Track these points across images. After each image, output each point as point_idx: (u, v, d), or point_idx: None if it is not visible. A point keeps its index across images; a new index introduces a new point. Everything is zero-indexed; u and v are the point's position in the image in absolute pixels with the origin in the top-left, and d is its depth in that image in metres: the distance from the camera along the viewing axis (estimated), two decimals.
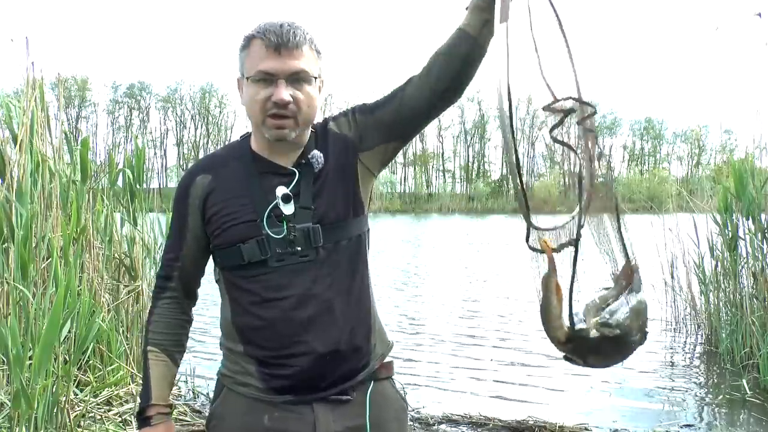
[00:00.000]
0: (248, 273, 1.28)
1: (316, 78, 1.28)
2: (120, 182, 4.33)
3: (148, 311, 1.42)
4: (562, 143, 1.12)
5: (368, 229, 1.38)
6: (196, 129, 75.45)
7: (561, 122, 1.11)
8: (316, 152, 1.32)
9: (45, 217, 3.54)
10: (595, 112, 1.13)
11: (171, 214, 1.40)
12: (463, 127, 78.11)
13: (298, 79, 1.25)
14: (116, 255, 4.20)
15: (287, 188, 1.27)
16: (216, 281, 1.38)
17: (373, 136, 1.34)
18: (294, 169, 1.30)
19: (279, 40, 1.23)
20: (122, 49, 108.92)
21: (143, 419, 1.33)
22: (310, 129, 1.36)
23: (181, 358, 1.41)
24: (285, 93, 1.23)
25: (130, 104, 73.16)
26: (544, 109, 1.10)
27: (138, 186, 4.26)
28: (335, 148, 1.34)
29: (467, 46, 1.26)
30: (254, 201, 1.28)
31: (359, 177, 1.35)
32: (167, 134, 74.62)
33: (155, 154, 71.12)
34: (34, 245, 3.31)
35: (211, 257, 1.38)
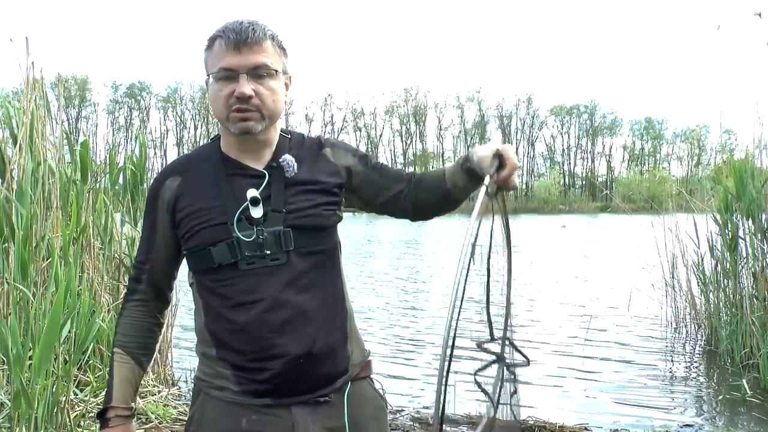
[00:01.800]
0: (220, 276, 1.27)
1: (278, 72, 1.28)
2: (120, 182, 4.33)
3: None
4: (483, 390, 1.18)
5: (339, 242, 1.38)
6: (196, 129, 75.63)
7: (485, 367, 1.18)
8: (288, 156, 1.31)
9: (45, 217, 3.53)
10: (526, 364, 1.24)
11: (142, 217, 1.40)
12: (463, 127, 78.12)
13: (259, 73, 1.26)
14: (116, 255, 4.20)
15: (257, 191, 1.26)
16: (190, 285, 1.36)
17: (360, 187, 1.41)
18: (264, 171, 1.30)
19: (238, 37, 1.24)
20: (122, 49, 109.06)
21: (103, 420, 1.33)
22: (283, 133, 1.37)
23: (148, 362, 1.39)
24: (246, 87, 1.24)
25: (130, 104, 73.33)
26: (477, 345, 1.16)
27: (138, 185, 4.26)
28: (322, 168, 1.35)
29: (444, 195, 1.41)
30: (225, 203, 1.27)
31: (339, 201, 1.36)
32: (167, 134, 74.80)
33: (155, 154, 71.19)
34: (34, 245, 3.31)
35: (184, 261, 1.37)
